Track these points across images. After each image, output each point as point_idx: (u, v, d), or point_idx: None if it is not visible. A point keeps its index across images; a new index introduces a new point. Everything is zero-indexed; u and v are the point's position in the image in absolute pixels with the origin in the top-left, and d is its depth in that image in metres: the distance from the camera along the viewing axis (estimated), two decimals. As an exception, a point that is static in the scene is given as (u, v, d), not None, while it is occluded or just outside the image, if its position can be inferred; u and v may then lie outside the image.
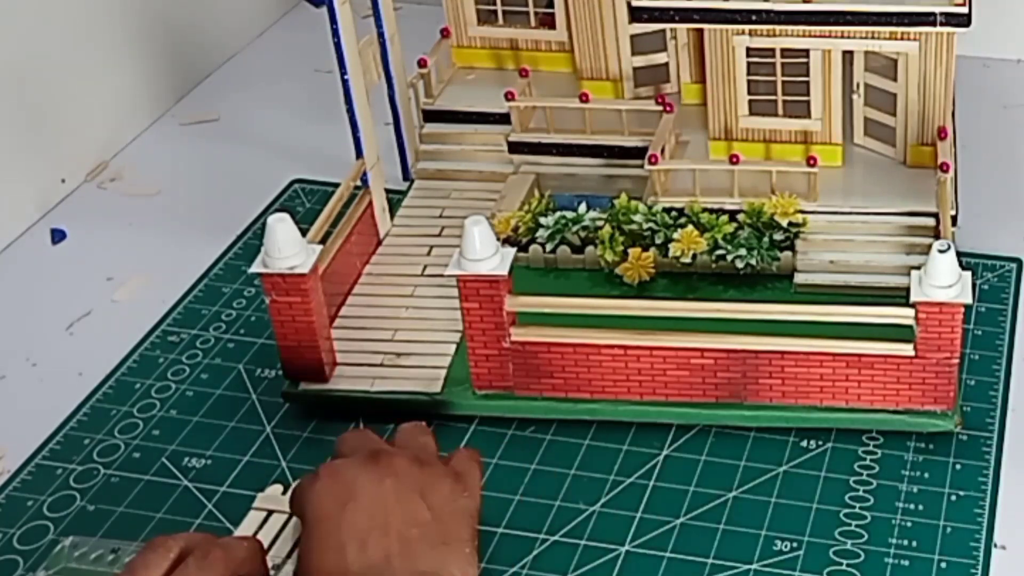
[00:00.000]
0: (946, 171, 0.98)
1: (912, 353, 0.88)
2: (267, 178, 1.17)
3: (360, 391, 0.93)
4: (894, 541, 0.84)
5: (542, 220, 1.03)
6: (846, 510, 0.86)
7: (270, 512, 0.84)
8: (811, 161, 1.01)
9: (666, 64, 1.12)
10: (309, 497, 0.73)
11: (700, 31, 1.04)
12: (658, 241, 1.01)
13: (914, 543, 0.84)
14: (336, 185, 1.02)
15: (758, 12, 0.98)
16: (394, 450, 0.78)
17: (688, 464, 0.90)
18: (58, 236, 1.11)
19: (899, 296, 0.90)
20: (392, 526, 0.71)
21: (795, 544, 0.84)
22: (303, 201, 1.14)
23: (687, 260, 1.00)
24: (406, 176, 1.13)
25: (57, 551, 0.79)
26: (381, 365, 0.94)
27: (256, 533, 0.82)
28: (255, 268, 0.90)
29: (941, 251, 0.85)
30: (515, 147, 1.09)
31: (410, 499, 0.73)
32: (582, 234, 1.03)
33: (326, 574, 0.70)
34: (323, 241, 0.96)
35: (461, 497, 0.76)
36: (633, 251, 1.00)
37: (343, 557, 0.70)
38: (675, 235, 1.00)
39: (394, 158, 1.12)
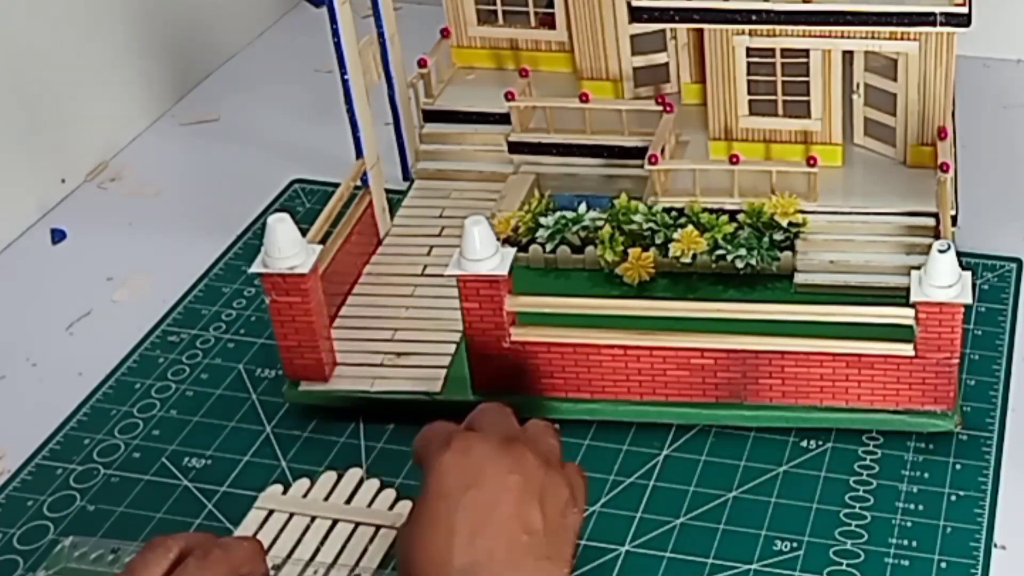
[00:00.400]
0: (946, 171, 0.98)
1: (912, 353, 0.88)
2: (267, 178, 1.17)
3: (360, 391, 0.92)
4: (894, 541, 0.84)
5: (542, 220, 1.03)
6: (846, 510, 0.86)
7: (270, 512, 0.84)
8: (811, 161, 1.01)
9: (666, 64, 1.12)
10: (435, 466, 0.72)
11: (700, 31, 1.04)
12: (658, 241, 1.01)
13: (914, 543, 0.84)
14: (336, 185, 1.02)
15: (758, 12, 0.98)
16: (527, 442, 0.76)
17: (688, 464, 0.90)
18: (58, 236, 1.11)
19: (899, 296, 0.90)
20: (505, 526, 0.71)
21: (795, 544, 0.84)
22: (303, 201, 1.14)
23: (687, 260, 1.00)
24: (406, 176, 1.13)
25: (57, 551, 0.79)
26: (381, 365, 0.94)
27: (256, 533, 0.83)
28: (255, 268, 0.90)
29: (941, 251, 0.85)
30: (515, 147, 1.09)
31: (529, 502, 0.72)
32: (582, 234, 1.03)
33: (428, 557, 0.70)
34: (323, 241, 0.96)
35: (572, 512, 0.74)
36: (633, 251, 1.00)
37: (450, 545, 0.69)
38: (675, 235, 1.00)
39: (394, 158, 1.12)
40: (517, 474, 0.72)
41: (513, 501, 0.71)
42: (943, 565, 0.83)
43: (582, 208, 1.04)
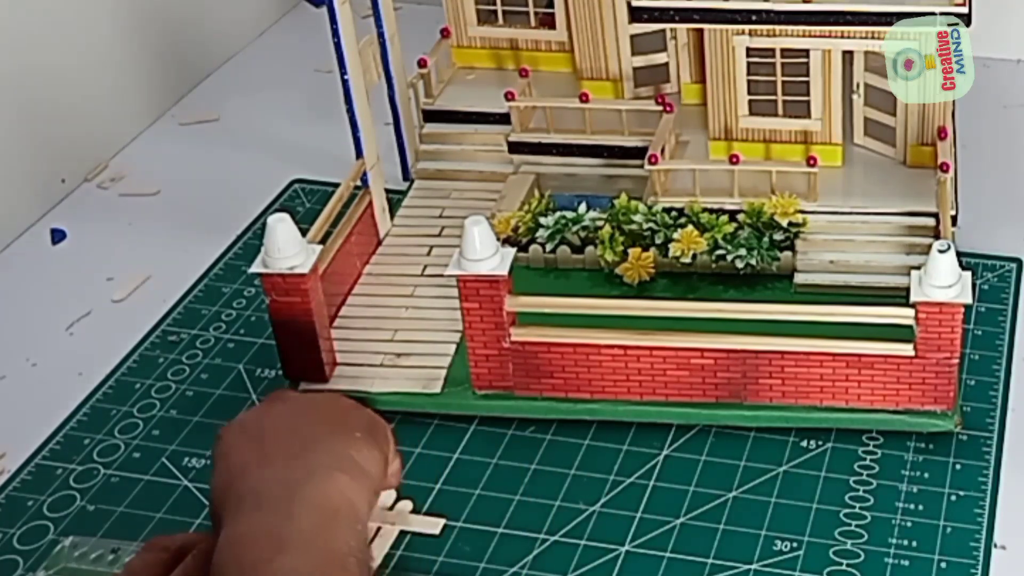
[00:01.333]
0: (946, 171, 0.98)
1: (912, 353, 0.88)
2: (267, 178, 1.17)
3: (360, 391, 0.92)
4: (894, 541, 0.84)
5: (542, 220, 1.03)
6: (846, 510, 0.86)
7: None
8: (811, 161, 1.01)
9: (666, 64, 1.12)
10: (217, 450, 0.72)
11: (700, 31, 1.04)
12: (658, 241, 1.01)
13: (914, 543, 0.84)
14: (336, 185, 1.02)
15: (758, 12, 0.98)
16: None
17: (688, 464, 0.90)
18: (58, 236, 1.11)
19: (899, 296, 0.90)
20: (289, 436, 0.71)
21: (795, 544, 0.84)
22: (303, 201, 1.14)
23: (687, 260, 1.00)
24: (406, 176, 1.13)
25: (57, 551, 0.79)
26: (381, 365, 0.94)
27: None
28: (255, 268, 0.90)
29: (941, 251, 0.85)
30: (515, 147, 1.09)
31: (298, 411, 0.73)
32: (582, 234, 1.03)
33: (226, 496, 0.69)
34: (323, 241, 0.96)
35: (365, 411, 0.75)
36: (633, 251, 1.00)
37: (245, 472, 0.69)
38: (675, 235, 1.00)
39: (394, 158, 1.12)
40: (280, 401, 0.73)
41: (276, 416, 0.71)
42: (943, 565, 0.83)
43: (582, 208, 1.04)
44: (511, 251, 0.89)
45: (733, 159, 1.02)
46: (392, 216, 1.08)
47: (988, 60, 1.30)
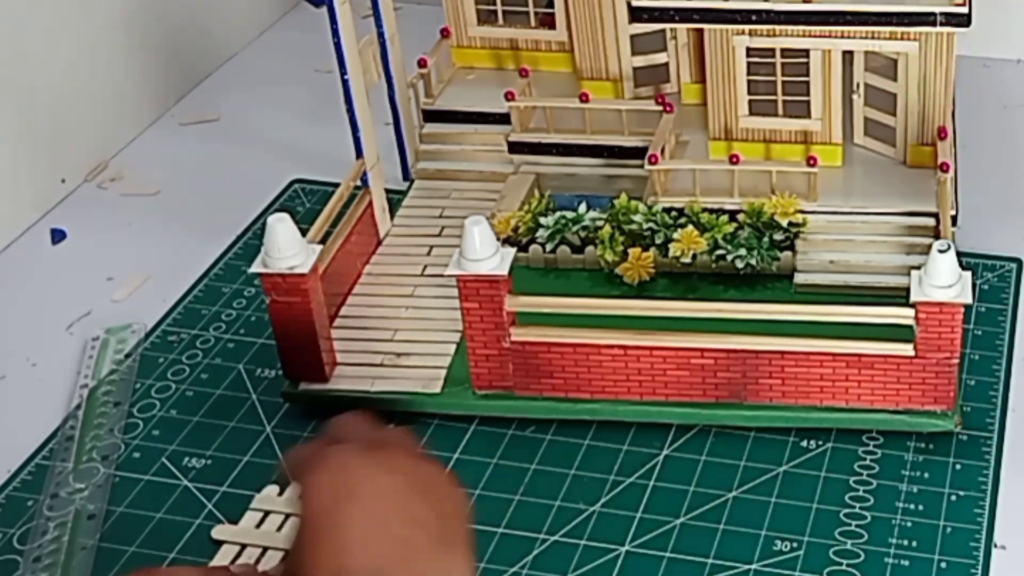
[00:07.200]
0: (946, 171, 0.98)
1: (912, 353, 0.88)
2: (267, 178, 1.17)
3: (360, 391, 0.92)
4: (894, 541, 0.84)
5: (542, 220, 1.03)
6: (846, 510, 0.86)
7: (267, 513, 0.84)
8: (811, 161, 1.01)
9: (666, 64, 1.12)
10: (308, 486, 0.71)
11: (700, 31, 1.04)
12: (658, 241, 1.01)
13: (914, 543, 0.84)
14: (336, 185, 1.02)
15: (758, 12, 0.98)
16: (394, 443, 0.76)
17: (688, 464, 0.90)
18: (58, 236, 1.11)
19: (899, 296, 0.90)
20: (397, 529, 0.70)
21: (795, 544, 0.84)
22: (303, 201, 1.14)
23: (687, 260, 1.00)
24: (406, 176, 1.13)
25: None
26: (381, 365, 0.94)
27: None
28: (255, 268, 0.90)
29: (941, 251, 0.85)
30: (515, 147, 1.09)
31: (412, 498, 0.72)
32: (582, 234, 1.03)
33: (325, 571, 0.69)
34: (323, 241, 0.96)
35: (456, 490, 0.74)
36: (633, 251, 1.00)
37: (343, 559, 0.69)
38: (675, 235, 1.00)
39: (394, 158, 1.12)
40: (393, 474, 0.69)
41: (396, 502, 0.68)
42: (943, 565, 0.83)
43: (582, 208, 1.04)
44: (511, 251, 0.89)
45: (733, 159, 1.02)
46: (392, 216, 1.08)
47: (988, 60, 1.30)
